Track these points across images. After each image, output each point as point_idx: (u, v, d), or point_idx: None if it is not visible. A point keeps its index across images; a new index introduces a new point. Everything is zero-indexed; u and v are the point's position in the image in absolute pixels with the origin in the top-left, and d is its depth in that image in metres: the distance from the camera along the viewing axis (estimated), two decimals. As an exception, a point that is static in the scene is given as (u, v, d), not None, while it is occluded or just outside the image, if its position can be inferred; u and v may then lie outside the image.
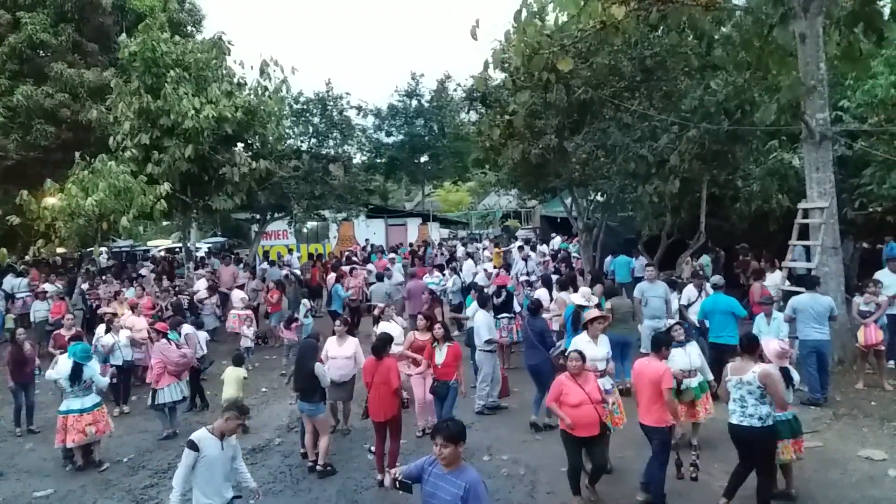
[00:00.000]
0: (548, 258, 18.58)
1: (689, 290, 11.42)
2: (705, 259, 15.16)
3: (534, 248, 20.03)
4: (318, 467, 8.00)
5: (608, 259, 16.39)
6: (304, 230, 24.88)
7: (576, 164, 14.35)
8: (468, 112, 18.16)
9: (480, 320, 10.03)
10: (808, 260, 11.68)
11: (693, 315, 11.00)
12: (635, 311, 11.01)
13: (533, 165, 15.30)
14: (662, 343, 6.76)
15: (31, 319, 14.86)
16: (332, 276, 16.28)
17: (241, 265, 19.00)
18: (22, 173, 18.73)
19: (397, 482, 4.46)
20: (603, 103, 13.70)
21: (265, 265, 19.72)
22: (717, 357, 9.20)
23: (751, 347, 6.43)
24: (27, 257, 19.44)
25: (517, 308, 12.15)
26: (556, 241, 21.34)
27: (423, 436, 8.87)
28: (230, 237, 33.68)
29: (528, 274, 15.41)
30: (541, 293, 11.76)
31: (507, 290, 12.29)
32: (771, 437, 6.15)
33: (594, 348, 7.60)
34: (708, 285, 11.13)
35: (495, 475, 7.71)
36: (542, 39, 10.40)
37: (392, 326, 10.13)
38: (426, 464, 4.39)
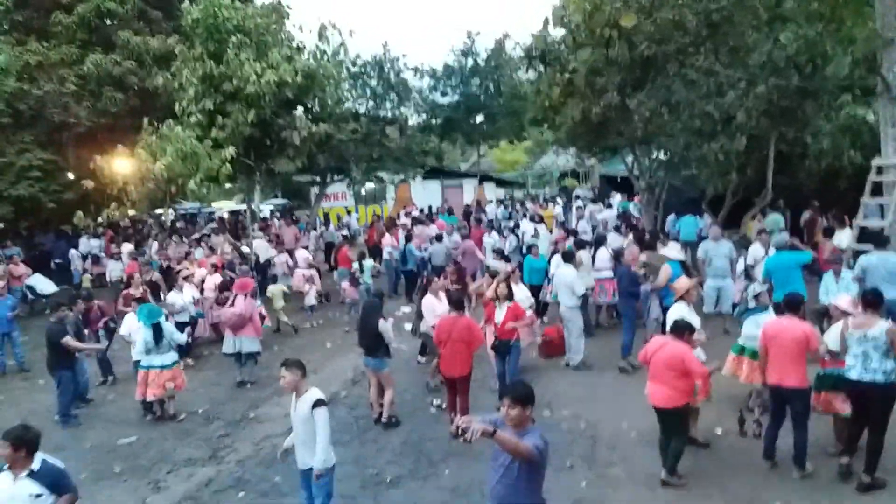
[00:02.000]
0: (605, 217, 18.24)
1: (756, 250, 11.17)
2: (775, 217, 14.69)
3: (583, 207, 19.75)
4: (383, 419, 8.29)
5: (671, 218, 16.07)
6: (363, 192, 25.20)
7: (638, 121, 14.01)
8: (527, 71, 17.87)
9: (567, 275, 10.03)
10: (882, 218, 11.23)
11: (760, 275, 10.78)
12: (698, 269, 10.88)
13: (593, 124, 15.01)
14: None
15: (108, 279, 15.59)
16: (387, 237, 16.44)
17: (302, 226, 19.46)
18: (94, 139, 19.46)
19: (460, 429, 4.39)
20: (667, 59, 13.26)
21: (323, 227, 20.14)
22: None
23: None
24: (100, 220, 20.39)
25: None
26: (616, 199, 21.00)
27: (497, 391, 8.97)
28: (291, 199, 34.38)
29: (584, 233, 15.29)
30: (599, 253, 11.70)
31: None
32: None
33: (696, 318, 7.37)
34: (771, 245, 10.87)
35: (555, 430, 7.82)
36: (605, -5, 10.17)
37: (437, 302, 9.67)
38: (498, 422, 4.29)
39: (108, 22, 20.06)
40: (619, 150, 17.87)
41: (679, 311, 7.41)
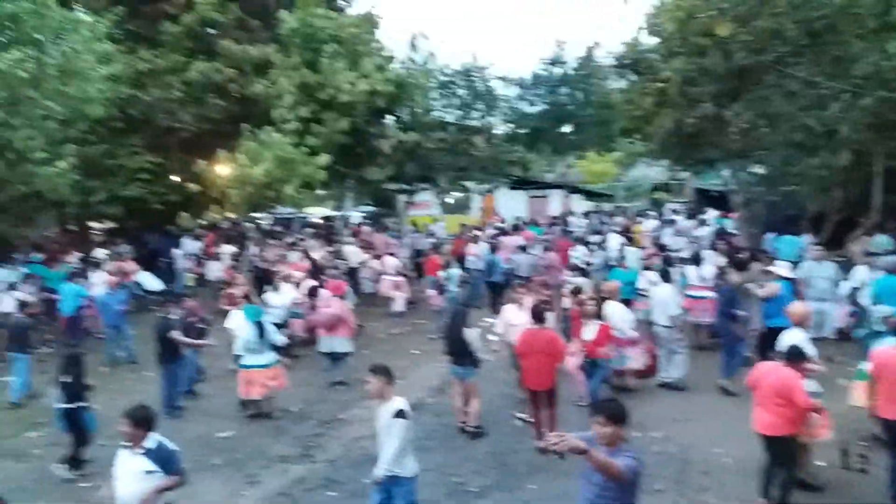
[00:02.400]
0: (698, 234, 17.60)
1: (861, 272, 10.59)
2: (883, 240, 13.85)
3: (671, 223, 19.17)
4: (468, 429, 8.35)
5: (770, 236, 15.41)
6: (449, 201, 25.43)
7: (734, 133, 13.58)
8: (618, 79, 17.66)
9: (664, 294, 9.87)
10: None
11: (865, 299, 10.24)
12: (796, 291, 10.42)
13: (687, 135, 14.68)
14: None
15: (207, 278, 16.34)
16: (472, 247, 16.50)
17: (389, 233, 19.84)
18: (197, 144, 20.45)
19: (553, 446, 4.16)
20: (765, 69, 12.82)
21: (413, 234, 20.44)
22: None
23: None
24: (201, 221, 21.43)
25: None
26: (712, 215, 20.29)
27: (585, 406, 8.86)
28: (381, 206, 35.03)
29: (676, 250, 14.82)
30: (693, 271, 11.40)
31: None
32: None
33: (812, 347, 6.92)
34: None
35: (646, 452, 7.63)
36: (698, 3, 9.93)
37: (516, 313, 9.66)
38: (590, 440, 4.23)
39: (211, 31, 21.05)
40: (714, 163, 17.34)
41: (795, 337, 6.96)
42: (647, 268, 11.79)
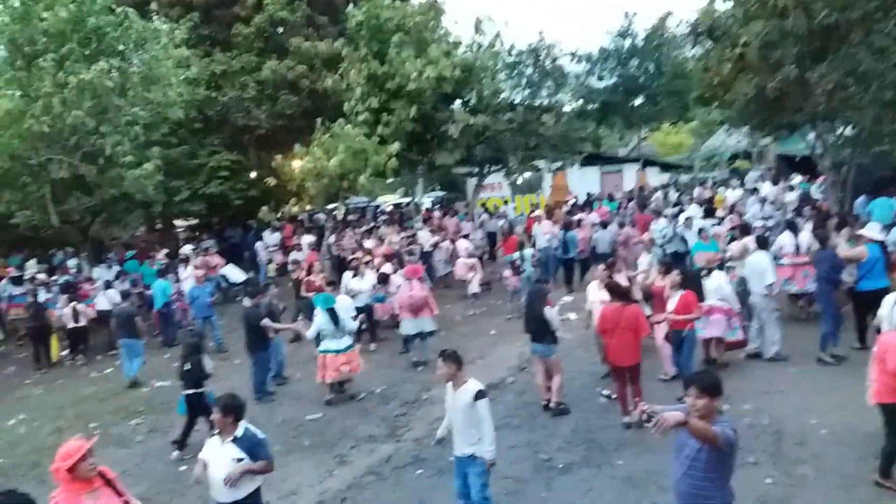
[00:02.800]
0: (786, 200, 16.81)
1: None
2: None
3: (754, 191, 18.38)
4: (551, 405, 8.35)
5: (860, 200, 14.61)
6: (519, 181, 25.25)
7: (820, 95, 12.83)
8: (692, 47, 17.01)
9: (760, 262, 9.52)
10: None
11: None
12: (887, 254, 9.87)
13: (768, 100, 13.96)
14: None
15: (289, 269, 16.83)
16: (545, 225, 16.35)
17: (460, 216, 19.92)
18: (272, 140, 21.11)
19: (648, 415, 4.04)
20: (851, 27, 12.11)
21: (484, 216, 20.43)
22: None
23: None
24: (280, 214, 22.12)
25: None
26: (796, 181, 19.42)
27: (669, 381, 8.82)
28: (449, 191, 35.20)
29: (764, 218, 14.26)
30: (783, 238, 10.95)
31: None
32: None
33: None
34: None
35: (737, 425, 7.46)
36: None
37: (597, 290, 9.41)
38: (683, 412, 4.11)
39: (281, 30, 21.58)
40: (797, 127, 16.51)
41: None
42: (733, 238, 11.41)
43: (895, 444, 5.84)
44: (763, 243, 9.92)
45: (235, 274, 16.33)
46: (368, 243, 15.76)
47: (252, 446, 5.00)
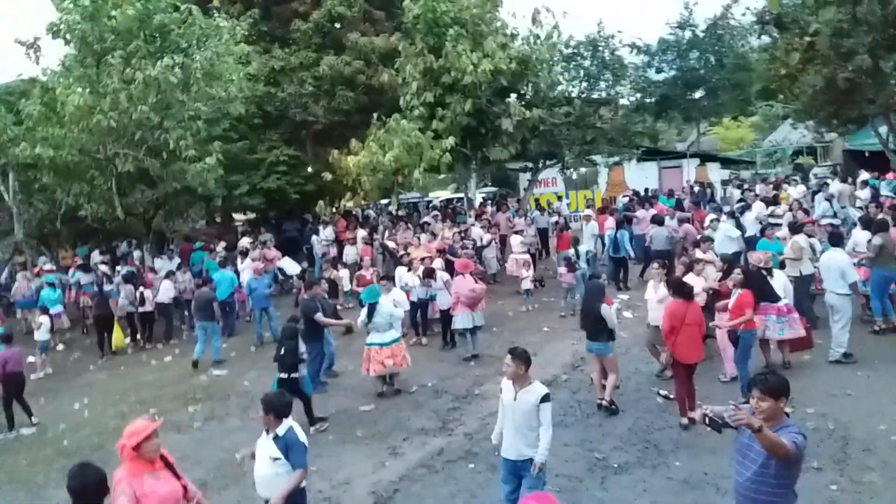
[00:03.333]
0: (863, 196, 15.95)
1: None
2: None
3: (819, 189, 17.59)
4: (604, 403, 8.20)
5: (935, 196, 13.94)
6: (574, 176, 24.94)
7: (895, 86, 12.31)
8: (759, 37, 16.44)
9: (839, 260, 9.23)
10: None
11: None
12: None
13: (839, 91, 13.44)
14: None
15: (343, 262, 17.02)
16: (609, 220, 16.09)
17: (512, 212, 19.77)
18: (329, 135, 21.37)
19: (708, 418, 4.08)
20: (928, 11, 11.52)
21: (536, 212, 20.22)
22: None
23: None
24: (334, 209, 22.39)
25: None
26: (863, 177, 18.53)
27: (728, 382, 8.64)
28: (500, 187, 35.04)
29: (833, 215, 13.63)
30: (858, 236, 10.49)
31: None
32: None
33: None
34: None
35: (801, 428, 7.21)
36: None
37: (653, 289, 9.38)
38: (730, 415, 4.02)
39: (338, 26, 21.79)
40: (868, 119, 15.81)
41: None
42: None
43: None
44: (838, 240, 9.54)
45: (292, 266, 16.58)
46: (422, 238, 15.77)
47: (289, 448, 4.91)
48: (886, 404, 7.57)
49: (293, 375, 8.45)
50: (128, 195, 16.61)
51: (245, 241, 18.29)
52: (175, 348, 14.04)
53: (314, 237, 18.83)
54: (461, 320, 10.98)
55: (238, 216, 26.59)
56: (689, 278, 8.90)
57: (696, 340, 7.59)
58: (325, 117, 20.78)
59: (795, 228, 11.11)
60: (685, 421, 7.50)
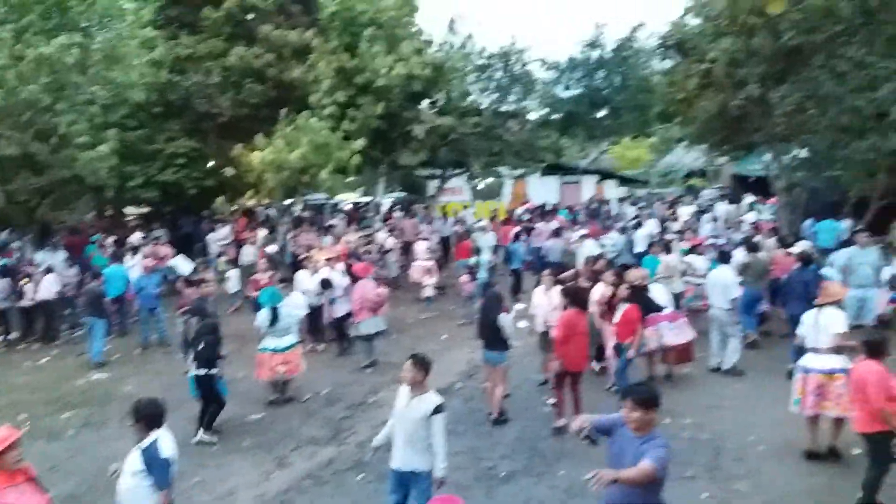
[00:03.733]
0: (750, 219, 17.01)
1: (904, 259, 10.29)
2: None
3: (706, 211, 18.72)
4: (492, 415, 8.29)
5: (807, 222, 15.01)
6: (480, 187, 25.27)
7: (780, 116, 13.18)
8: (661, 61, 17.25)
9: (725, 277, 9.75)
10: None
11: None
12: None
13: (730, 118, 14.29)
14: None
15: (240, 263, 16.47)
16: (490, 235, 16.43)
17: (419, 218, 19.80)
18: (234, 129, 20.61)
19: (585, 430, 4.26)
20: (815, 50, 12.43)
21: (440, 220, 20.33)
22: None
23: None
24: (234, 206, 21.67)
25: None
26: (748, 200, 19.84)
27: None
28: (409, 192, 35.03)
29: (716, 237, 14.48)
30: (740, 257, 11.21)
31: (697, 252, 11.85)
32: None
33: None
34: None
35: (677, 438, 7.52)
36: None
37: (545, 297, 9.61)
38: (619, 422, 4.22)
39: (251, 16, 21.16)
40: (755, 147, 16.90)
41: (836, 316, 6.98)
42: (689, 253, 11.63)
43: (877, 473, 5.81)
44: (725, 258, 10.12)
45: (184, 265, 15.85)
46: (325, 241, 15.52)
47: (150, 462, 4.60)
48: (757, 416, 8.04)
49: (211, 372, 8.18)
50: (10, 181, 15.41)
51: (136, 237, 17.39)
52: (54, 349, 13.13)
53: (210, 235, 18.14)
54: (366, 325, 10.76)
55: (131, 209, 25.27)
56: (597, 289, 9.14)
57: (585, 350, 7.86)
58: (231, 110, 20.08)
59: (666, 247, 11.78)
60: (560, 424, 7.68)
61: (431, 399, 5.29)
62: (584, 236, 14.32)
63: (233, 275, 14.72)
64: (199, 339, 8.32)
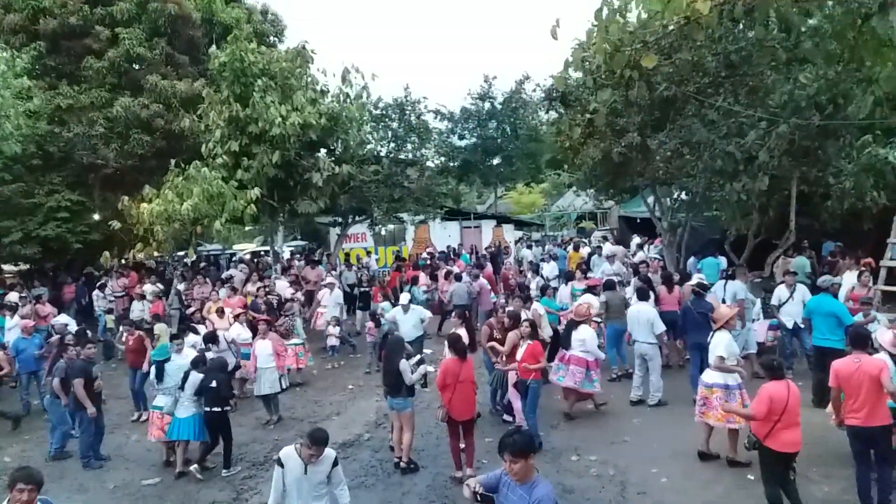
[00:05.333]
0: (637, 259, 17.95)
1: (781, 291, 11.15)
2: (802, 261, 14.59)
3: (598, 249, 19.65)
4: (401, 464, 8.18)
5: (691, 260, 15.98)
6: (383, 233, 25.32)
7: (659, 161, 14.08)
8: (547, 112, 18.05)
9: (647, 312, 10.20)
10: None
11: (783, 316, 10.86)
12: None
13: (614, 164, 15.09)
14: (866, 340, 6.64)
15: (130, 318, 15.61)
16: (422, 277, 16.50)
17: (322, 266, 19.56)
18: (120, 181, 19.86)
19: (477, 496, 4.35)
20: (686, 100, 13.39)
21: (342, 267, 20.16)
22: (820, 360, 9.02)
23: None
24: (124, 260, 20.61)
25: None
26: (636, 241, 20.94)
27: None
28: (310, 241, 34.64)
29: (614, 275, 15.06)
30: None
31: (596, 292, 12.33)
32: None
33: (736, 347, 8.25)
34: (801, 287, 10.94)
35: (584, 475, 7.73)
36: (624, 37, 10.26)
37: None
38: (503, 474, 4.32)
39: (137, 66, 20.59)
40: (639, 190, 17.90)
41: (722, 339, 7.87)
42: (588, 292, 12.08)
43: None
44: (644, 294, 10.62)
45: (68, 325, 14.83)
46: (222, 293, 14.97)
47: None
48: (657, 448, 8.35)
49: (225, 409, 8.56)
50: None
51: (13, 296, 16.14)
52: None
53: (96, 292, 17.12)
54: (268, 384, 10.31)
55: (7, 267, 23.53)
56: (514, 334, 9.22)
57: (470, 398, 7.77)
58: (117, 161, 19.34)
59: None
60: (458, 475, 7.67)
61: (328, 456, 5.44)
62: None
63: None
64: (211, 378, 8.48)
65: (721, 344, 7.81)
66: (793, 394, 6.12)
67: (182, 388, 8.60)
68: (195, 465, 8.41)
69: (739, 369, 7.89)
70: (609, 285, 12.03)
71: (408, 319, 11.84)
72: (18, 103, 15.52)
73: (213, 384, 8.44)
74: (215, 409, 8.44)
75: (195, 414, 8.54)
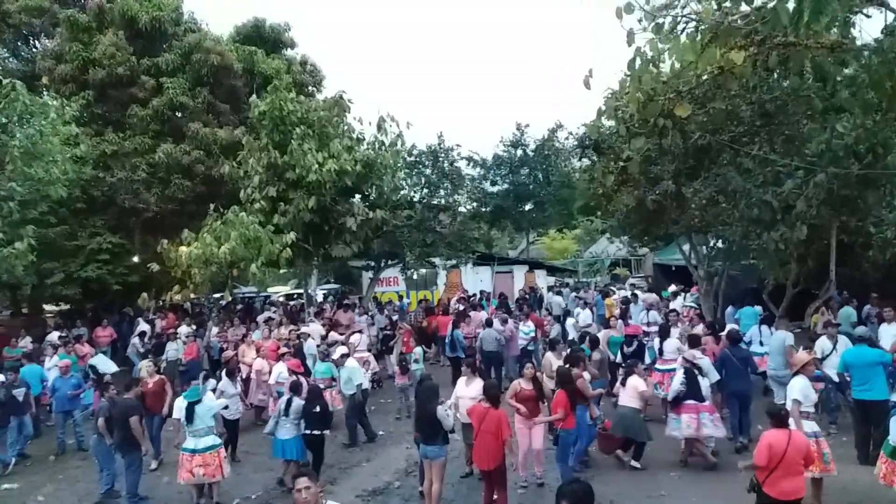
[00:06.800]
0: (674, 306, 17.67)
1: (824, 342, 10.77)
2: (847, 311, 14.22)
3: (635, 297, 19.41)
4: (433, 515, 8.03)
5: (729, 309, 15.70)
6: (415, 277, 25.46)
7: (694, 210, 13.99)
8: (580, 159, 18.17)
9: (703, 364, 10.03)
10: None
11: (828, 369, 10.48)
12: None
13: (648, 211, 15.06)
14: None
15: (164, 359, 15.80)
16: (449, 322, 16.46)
17: (355, 310, 19.65)
18: (160, 224, 20.34)
19: None
20: (721, 148, 13.36)
21: (374, 310, 20.24)
22: (863, 414, 8.72)
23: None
24: (161, 302, 21.01)
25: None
26: (673, 289, 20.65)
27: (526, 489, 8.87)
28: (343, 284, 34.93)
29: (648, 324, 14.88)
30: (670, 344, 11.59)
31: (637, 340, 12.20)
32: None
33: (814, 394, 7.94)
34: (843, 338, 10.63)
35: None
36: (658, 86, 10.32)
37: (463, 386, 9.50)
38: None
39: (180, 114, 21.30)
40: (674, 238, 17.76)
41: (799, 384, 7.62)
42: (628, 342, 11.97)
43: None
44: (695, 342, 10.48)
45: (106, 365, 15.06)
46: (255, 335, 15.12)
47: None
48: (697, 502, 8.08)
49: (325, 432, 9.40)
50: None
51: (54, 336, 16.51)
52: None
53: (135, 339, 17.29)
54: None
55: (50, 307, 24.13)
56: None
57: (491, 447, 7.58)
58: (158, 205, 19.87)
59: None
60: None
61: None
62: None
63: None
64: (314, 403, 9.33)
65: (797, 387, 7.59)
66: (793, 443, 6.08)
67: (286, 413, 9.26)
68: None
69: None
70: (594, 342, 11.61)
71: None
72: (66, 149, 16.10)
73: (318, 409, 9.29)
74: (315, 431, 9.25)
75: (296, 436, 9.30)
